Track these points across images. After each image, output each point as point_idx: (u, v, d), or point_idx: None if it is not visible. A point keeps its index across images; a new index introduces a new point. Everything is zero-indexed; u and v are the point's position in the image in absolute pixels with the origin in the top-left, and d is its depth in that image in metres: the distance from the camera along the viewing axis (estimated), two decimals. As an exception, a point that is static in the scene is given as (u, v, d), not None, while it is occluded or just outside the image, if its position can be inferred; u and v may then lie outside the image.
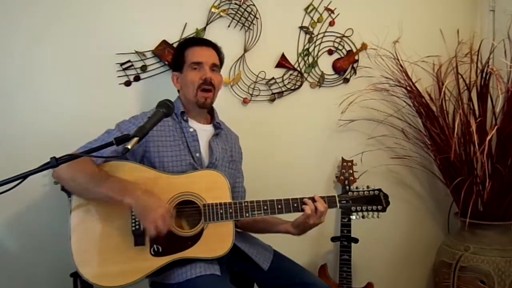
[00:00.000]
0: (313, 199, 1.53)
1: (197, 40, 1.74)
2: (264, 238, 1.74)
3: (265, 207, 1.52)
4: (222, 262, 1.52)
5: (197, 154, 1.60)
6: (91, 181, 1.39)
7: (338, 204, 1.56)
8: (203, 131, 1.66)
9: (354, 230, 2.16)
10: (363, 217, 1.57)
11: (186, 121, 1.64)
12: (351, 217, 1.58)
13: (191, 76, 1.62)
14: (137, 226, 1.42)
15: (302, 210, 1.52)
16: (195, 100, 1.62)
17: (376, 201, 1.57)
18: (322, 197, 1.54)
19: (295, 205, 1.53)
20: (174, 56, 1.73)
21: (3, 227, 1.85)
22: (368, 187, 1.59)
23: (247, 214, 1.51)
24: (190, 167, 1.56)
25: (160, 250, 1.42)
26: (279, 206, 1.52)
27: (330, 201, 1.55)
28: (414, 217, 2.52)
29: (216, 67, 1.68)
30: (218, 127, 1.70)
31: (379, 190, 1.58)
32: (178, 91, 1.72)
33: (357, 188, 1.59)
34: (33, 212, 1.87)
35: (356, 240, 2.17)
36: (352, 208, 1.57)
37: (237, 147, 1.80)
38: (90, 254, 1.40)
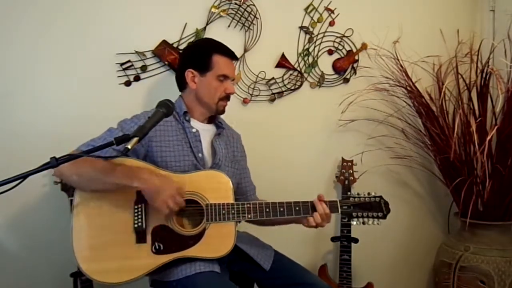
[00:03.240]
0: (315, 209, 1.52)
1: (229, 51, 1.67)
2: (264, 238, 1.74)
3: (267, 210, 1.52)
4: (222, 261, 1.52)
5: (200, 155, 1.60)
6: (97, 171, 1.38)
7: (339, 210, 1.56)
8: (205, 131, 1.67)
9: (354, 230, 2.16)
10: (363, 223, 1.57)
11: (189, 121, 1.64)
12: (352, 222, 1.58)
13: (216, 86, 1.63)
14: (139, 223, 1.42)
15: (304, 214, 1.53)
16: (215, 107, 1.65)
17: (377, 208, 1.57)
18: (325, 202, 1.53)
19: (297, 208, 1.53)
20: (198, 53, 1.66)
21: (3, 227, 1.86)
22: (369, 193, 1.59)
23: (249, 216, 1.51)
24: (193, 167, 1.57)
25: (162, 248, 1.43)
26: (281, 209, 1.52)
27: (331, 206, 1.55)
28: (414, 217, 2.52)
29: (233, 79, 1.72)
30: (220, 126, 1.71)
31: (380, 197, 1.58)
32: (180, 86, 1.70)
33: (358, 194, 1.59)
34: (33, 212, 1.88)
35: (356, 240, 2.18)
36: (353, 214, 1.57)
37: (240, 146, 1.80)
38: (91, 250, 1.40)
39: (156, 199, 1.37)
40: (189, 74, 1.64)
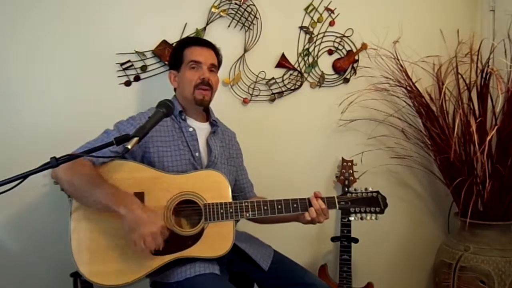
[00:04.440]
0: (312, 204, 1.53)
1: (197, 40, 1.74)
2: (264, 238, 1.74)
3: (265, 207, 1.52)
4: (222, 262, 1.52)
5: (197, 154, 1.60)
6: (87, 187, 1.36)
7: (337, 205, 1.57)
8: (201, 129, 1.67)
9: (354, 230, 2.16)
10: (361, 218, 1.58)
11: (185, 120, 1.64)
12: (350, 218, 1.60)
13: (189, 74, 1.63)
14: None
15: (302, 210, 1.53)
16: (192, 97, 1.63)
17: (374, 203, 1.58)
18: (322, 198, 1.55)
19: (295, 205, 1.54)
20: (173, 54, 1.72)
21: (3, 227, 1.86)
22: (366, 189, 1.60)
23: (247, 214, 1.51)
24: (190, 166, 1.57)
25: (161, 249, 1.42)
26: (279, 207, 1.53)
27: (329, 202, 1.56)
28: (414, 217, 2.52)
29: (214, 67, 1.68)
30: (214, 124, 1.71)
31: (377, 192, 1.59)
32: (174, 90, 1.72)
33: (355, 189, 1.60)
34: (33, 212, 1.87)
35: (356, 240, 2.17)
36: (351, 209, 1.58)
37: (235, 144, 1.81)
38: (90, 252, 1.40)
39: (135, 231, 1.32)
40: (170, 76, 1.70)
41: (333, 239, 2.27)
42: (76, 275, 1.73)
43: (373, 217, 1.58)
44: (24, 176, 1.10)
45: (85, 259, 1.39)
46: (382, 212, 1.58)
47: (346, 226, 2.17)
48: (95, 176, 1.40)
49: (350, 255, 2.17)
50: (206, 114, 1.73)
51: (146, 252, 1.37)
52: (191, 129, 1.63)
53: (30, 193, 1.85)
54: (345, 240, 2.17)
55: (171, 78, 1.70)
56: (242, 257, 1.59)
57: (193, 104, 1.65)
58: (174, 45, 1.84)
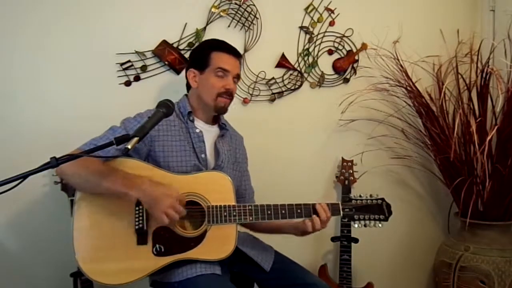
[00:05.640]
0: (316, 213, 1.51)
1: (228, 47, 1.67)
2: (265, 238, 1.74)
3: (269, 212, 1.51)
4: (223, 262, 1.51)
5: (203, 155, 1.59)
6: (96, 175, 1.38)
7: (341, 212, 1.55)
8: (209, 132, 1.66)
9: (354, 230, 2.16)
10: (364, 225, 1.55)
11: (192, 121, 1.63)
12: (354, 225, 1.56)
13: (215, 81, 1.60)
14: (140, 225, 1.41)
15: (305, 216, 1.52)
16: (213, 104, 1.61)
17: (379, 210, 1.55)
18: (326, 205, 1.53)
19: (299, 211, 1.52)
20: (198, 53, 1.69)
21: (3, 227, 1.86)
22: (371, 195, 1.58)
23: (250, 218, 1.50)
24: (195, 168, 1.55)
25: (163, 250, 1.42)
26: (283, 211, 1.51)
27: (333, 209, 1.54)
28: (414, 217, 2.52)
29: (238, 78, 1.68)
30: (223, 127, 1.70)
31: (382, 199, 1.57)
32: (188, 88, 1.70)
33: (360, 196, 1.58)
34: (33, 212, 1.88)
35: (356, 240, 2.17)
36: (355, 216, 1.55)
37: (242, 148, 1.80)
38: (92, 251, 1.40)
39: (156, 210, 1.35)
40: (190, 74, 1.66)
41: (333, 239, 2.27)
42: (76, 275, 1.74)
43: (377, 225, 1.55)
44: (24, 176, 1.10)
45: (87, 258, 1.39)
46: (386, 219, 1.55)
47: (346, 226, 2.17)
48: (102, 166, 1.40)
49: (350, 255, 2.17)
50: (216, 117, 1.71)
51: (148, 252, 1.37)
52: (198, 131, 1.61)
53: (30, 193, 1.85)
54: (345, 240, 2.17)
55: (190, 76, 1.66)
56: (243, 258, 1.59)
57: (211, 110, 1.63)
58: (202, 43, 1.82)
